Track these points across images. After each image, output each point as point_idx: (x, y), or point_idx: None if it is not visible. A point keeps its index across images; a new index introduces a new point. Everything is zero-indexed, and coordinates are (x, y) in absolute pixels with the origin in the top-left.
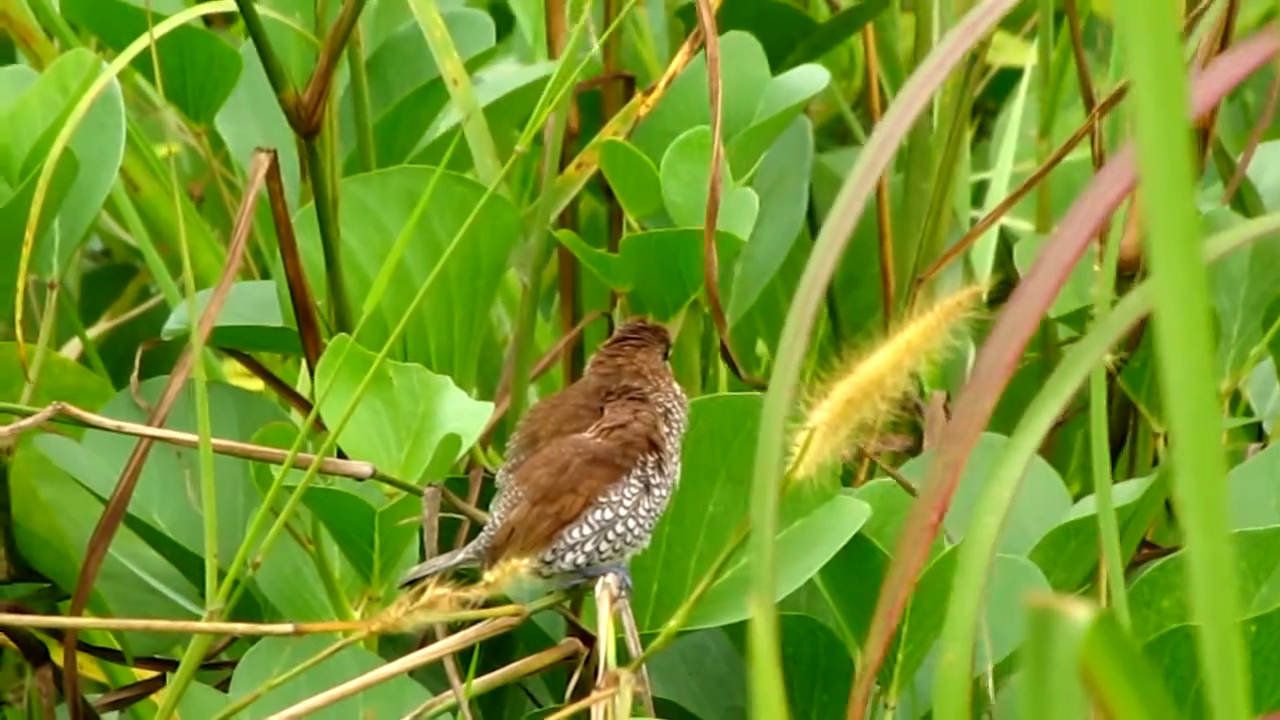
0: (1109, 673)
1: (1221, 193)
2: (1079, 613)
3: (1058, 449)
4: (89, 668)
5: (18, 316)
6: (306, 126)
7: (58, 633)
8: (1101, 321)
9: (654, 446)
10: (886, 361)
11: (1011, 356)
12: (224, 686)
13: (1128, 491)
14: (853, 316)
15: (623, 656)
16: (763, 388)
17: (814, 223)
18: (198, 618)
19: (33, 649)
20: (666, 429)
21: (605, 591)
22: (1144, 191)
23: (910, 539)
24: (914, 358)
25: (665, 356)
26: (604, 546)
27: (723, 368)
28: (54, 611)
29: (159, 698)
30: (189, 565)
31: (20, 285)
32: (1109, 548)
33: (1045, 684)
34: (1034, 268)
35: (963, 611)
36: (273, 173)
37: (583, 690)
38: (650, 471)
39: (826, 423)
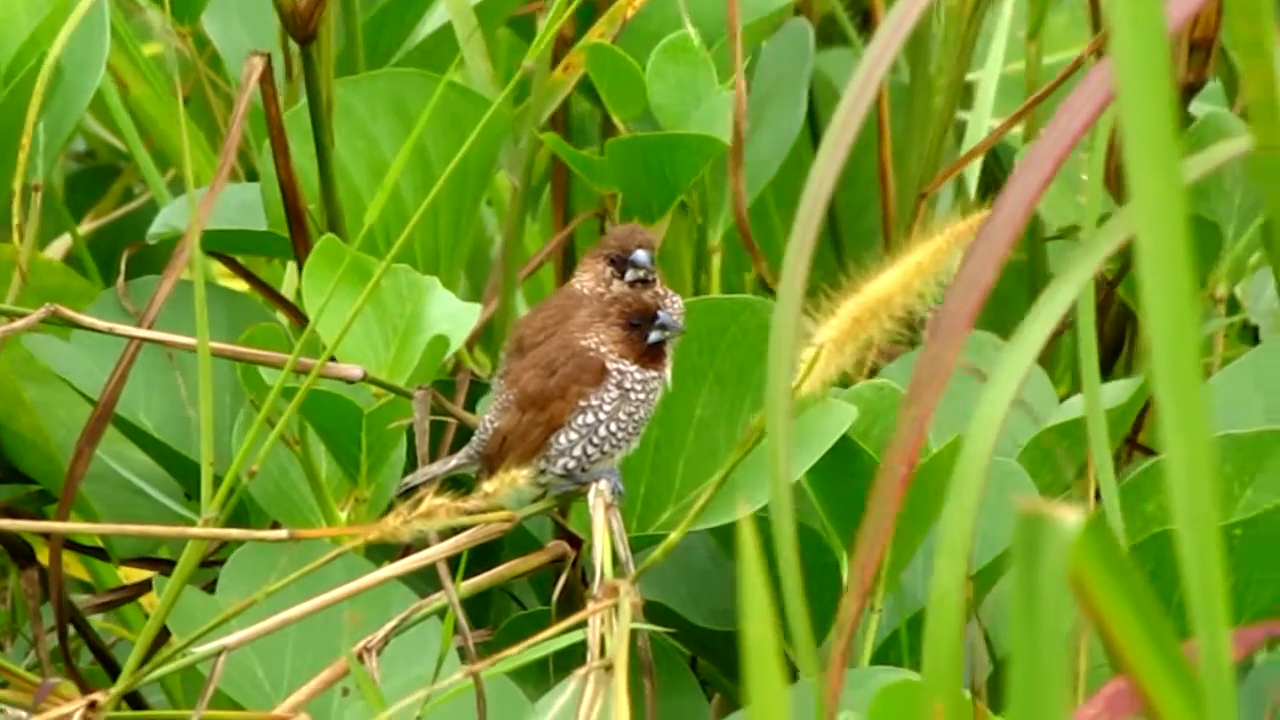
0: (1098, 578)
1: (1220, 90)
2: (1069, 518)
3: (1046, 349)
4: (74, 567)
5: (15, 222)
6: (303, 34)
7: (45, 533)
8: (1089, 236)
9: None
10: (895, 281)
11: (998, 258)
12: (209, 588)
13: (1113, 394)
14: (858, 244)
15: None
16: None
17: (814, 128)
18: (185, 519)
19: (19, 550)
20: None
21: (599, 499)
22: (1122, 108)
23: (901, 441)
24: (923, 279)
25: (620, 269)
26: (590, 450)
27: (715, 272)
28: (41, 514)
29: (146, 601)
30: (176, 466)
31: (17, 186)
32: (1100, 456)
33: (1035, 589)
34: (1016, 173)
35: (957, 526)
36: (266, 77)
37: (569, 594)
38: (628, 373)
39: (833, 340)
